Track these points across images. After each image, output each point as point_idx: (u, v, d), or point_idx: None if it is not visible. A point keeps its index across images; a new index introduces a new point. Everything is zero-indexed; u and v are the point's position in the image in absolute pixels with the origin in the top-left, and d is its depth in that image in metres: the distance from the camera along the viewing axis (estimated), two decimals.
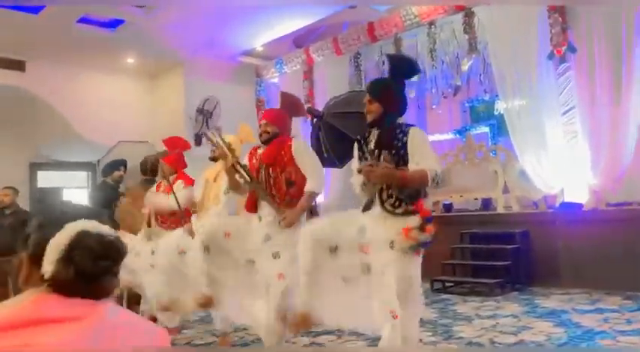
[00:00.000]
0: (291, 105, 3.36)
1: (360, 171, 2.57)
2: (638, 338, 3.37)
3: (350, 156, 2.98)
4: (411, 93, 6.73)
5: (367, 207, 2.60)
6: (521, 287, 5.34)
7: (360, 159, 2.71)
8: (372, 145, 2.65)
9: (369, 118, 2.69)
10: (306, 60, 8.19)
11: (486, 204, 6.71)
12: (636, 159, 5.28)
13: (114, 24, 7.10)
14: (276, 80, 8.89)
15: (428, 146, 2.60)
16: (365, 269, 2.52)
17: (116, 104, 8.63)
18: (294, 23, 7.41)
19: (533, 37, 5.81)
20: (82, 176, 9.25)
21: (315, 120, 5.34)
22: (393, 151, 2.55)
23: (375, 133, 2.68)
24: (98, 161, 8.34)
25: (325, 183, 3.37)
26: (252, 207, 3.15)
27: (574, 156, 5.53)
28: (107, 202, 5.09)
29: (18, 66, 7.84)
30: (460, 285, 5.66)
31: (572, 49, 5.53)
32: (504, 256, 5.47)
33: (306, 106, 5.72)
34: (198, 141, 8.11)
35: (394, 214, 2.51)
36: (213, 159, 3.79)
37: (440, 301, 5.02)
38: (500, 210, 6.24)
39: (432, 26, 6.84)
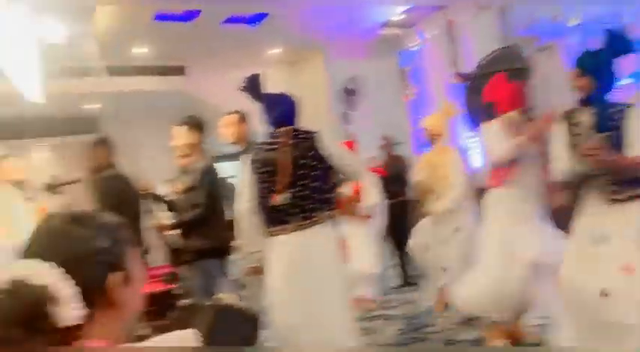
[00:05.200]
0: None
1: (585, 155, 2.34)
2: None
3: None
4: None
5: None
6: None
7: (569, 142, 2.47)
8: (583, 126, 2.42)
9: (580, 95, 2.46)
10: (448, 22, 7.78)
11: None
12: None
13: (258, 18, 7.40)
14: (418, 48, 8.61)
15: None
16: None
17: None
18: None
19: None
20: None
21: (464, 83, 5.08)
22: (609, 133, 2.33)
23: (585, 112, 2.44)
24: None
25: None
26: None
27: None
28: None
29: (178, 71, 8.58)
30: None
31: None
32: None
33: (452, 71, 5.44)
34: (346, 121, 8.20)
35: (619, 201, 2.33)
36: None
37: None
38: None
39: None
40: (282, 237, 2.67)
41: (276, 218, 2.70)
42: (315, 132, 2.79)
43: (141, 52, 7.68)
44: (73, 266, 0.88)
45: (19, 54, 3.75)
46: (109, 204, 3.44)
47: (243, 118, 3.66)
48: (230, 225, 3.32)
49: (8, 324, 0.82)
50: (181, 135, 3.53)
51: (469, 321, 3.81)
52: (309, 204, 2.66)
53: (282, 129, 2.81)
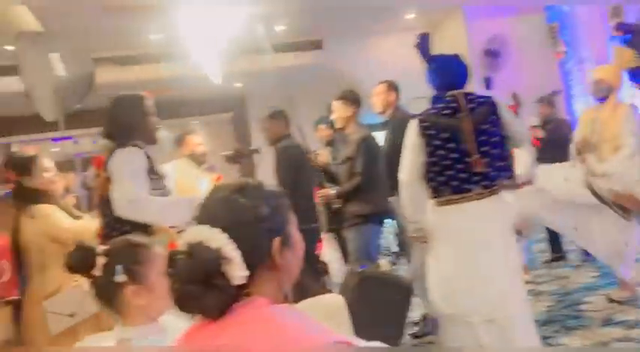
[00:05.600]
0: None
1: None
2: None
3: None
4: None
5: None
6: None
7: None
8: None
9: None
10: None
11: None
12: None
13: None
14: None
15: None
16: None
17: (401, 63, 8.91)
18: None
19: None
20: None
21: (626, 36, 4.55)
22: None
23: None
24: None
25: None
26: None
27: None
28: None
29: (316, 45, 8.78)
30: None
31: None
32: None
33: (614, 21, 4.91)
34: (488, 85, 7.80)
35: None
36: None
37: None
38: None
39: None
40: (457, 206, 2.59)
41: (452, 187, 2.61)
42: (490, 97, 2.68)
43: (279, 29, 7.97)
44: (237, 232, 0.97)
45: (207, 40, 4.14)
46: (287, 172, 3.70)
47: (391, 87, 3.79)
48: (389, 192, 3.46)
49: (188, 281, 0.93)
50: (339, 109, 3.74)
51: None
52: (490, 173, 2.57)
53: (454, 92, 2.68)
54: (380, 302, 2.19)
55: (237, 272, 0.94)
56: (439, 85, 2.77)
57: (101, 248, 1.28)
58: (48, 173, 2.92)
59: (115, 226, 2.42)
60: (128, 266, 1.25)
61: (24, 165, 2.87)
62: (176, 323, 1.35)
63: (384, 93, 3.76)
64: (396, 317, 2.31)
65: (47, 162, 2.94)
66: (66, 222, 2.82)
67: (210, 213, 1.02)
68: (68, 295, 2.84)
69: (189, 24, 4.22)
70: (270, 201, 1.04)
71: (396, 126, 3.47)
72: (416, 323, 3.70)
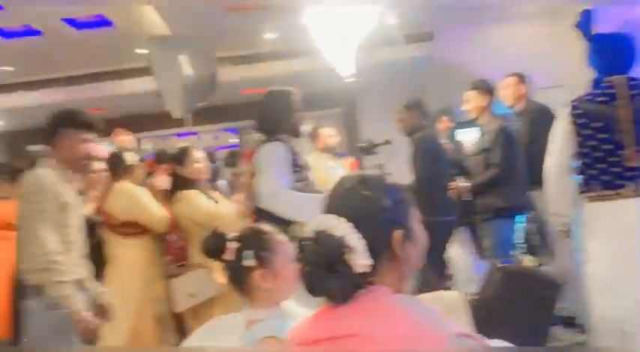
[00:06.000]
0: None
1: None
2: None
3: None
4: None
5: None
6: None
7: None
8: None
9: None
10: None
11: None
12: None
13: None
14: None
15: None
16: None
17: (517, 52, 8.48)
18: None
19: None
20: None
21: None
22: None
23: None
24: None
25: None
26: None
27: None
28: None
29: (426, 37, 8.62)
30: None
31: None
32: None
33: None
34: None
35: None
36: None
37: None
38: None
39: None
40: (609, 203, 2.41)
41: (602, 182, 2.44)
42: None
43: (390, 23, 7.91)
44: (360, 222, 1.01)
45: (336, 37, 4.34)
46: (423, 163, 3.73)
47: (521, 79, 3.74)
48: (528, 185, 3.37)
49: (314, 266, 1.00)
50: (473, 98, 3.68)
51: None
52: None
53: (612, 78, 2.46)
54: (526, 298, 2.12)
55: (360, 260, 0.99)
56: (599, 67, 2.56)
57: (232, 234, 1.38)
58: (198, 163, 3.26)
59: (263, 214, 2.51)
60: (256, 252, 1.34)
61: (178, 156, 3.26)
62: (297, 309, 1.43)
63: (514, 85, 3.70)
64: (543, 313, 2.23)
65: (197, 154, 3.29)
66: (204, 206, 3.12)
67: (335, 203, 1.07)
68: (192, 277, 3.11)
69: (316, 21, 4.32)
70: (392, 194, 1.07)
71: (533, 118, 3.42)
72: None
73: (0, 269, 3.03)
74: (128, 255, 3.13)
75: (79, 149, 2.33)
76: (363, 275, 1.00)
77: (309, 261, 1.01)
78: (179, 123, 4.65)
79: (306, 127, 2.89)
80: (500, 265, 2.48)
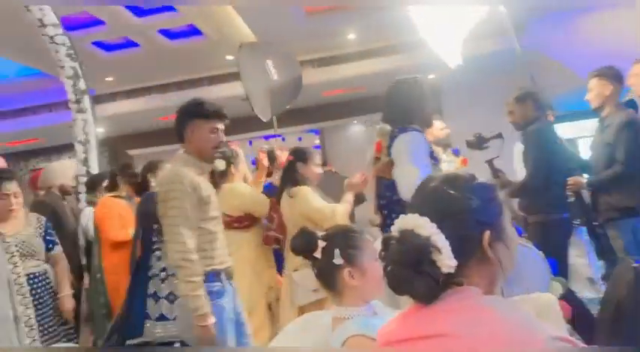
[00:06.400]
0: None
1: None
2: None
3: None
4: None
5: None
6: None
7: None
8: None
9: None
10: None
11: None
12: None
13: None
14: None
15: None
16: None
17: (610, 43, 7.92)
18: None
19: None
20: (587, 124, 8.97)
21: None
22: None
23: None
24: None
25: None
26: None
27: None
28: None
29: (517, 29, 8.26)
30: None
31: None
32: None
33: None
34: None
35: None
36: None
37: None
38: None
39: None
40: None
41: None
42: None
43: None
44: (445, 221, 1.00)
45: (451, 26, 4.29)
46: (538, 157, 3.50)
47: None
48: None
49: (399, 265, 0.99)
50: (596, 86, 3.41)
51: None
52: None
53: None
54: None
55: (446, 261, 0.97)
56: None
57: (321, 233, 1.42)
58: (317, 167, 3.34)
59: (394, 208, 2.44)
60: (345, 250, 1.37)
61: (304, 155, 3.32)
62: (384, 309, 1.44)
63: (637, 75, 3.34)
64: None
65: (318, 159, 3.38)
66: (319, 203, 3.13)
67: (421, 202, 1.07)
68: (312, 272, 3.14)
69: (423, 13, 4.24)
70: (481, 194, 1.04)
71: None
72: None
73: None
74: (235, 250, 3.17)
75: (209, 139, 2.34)
76: (450, 275, 0.99)
77: (394, 259, 1.01)
78: (265, 125, 4.78)
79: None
80: (631, 264, 2.34)
